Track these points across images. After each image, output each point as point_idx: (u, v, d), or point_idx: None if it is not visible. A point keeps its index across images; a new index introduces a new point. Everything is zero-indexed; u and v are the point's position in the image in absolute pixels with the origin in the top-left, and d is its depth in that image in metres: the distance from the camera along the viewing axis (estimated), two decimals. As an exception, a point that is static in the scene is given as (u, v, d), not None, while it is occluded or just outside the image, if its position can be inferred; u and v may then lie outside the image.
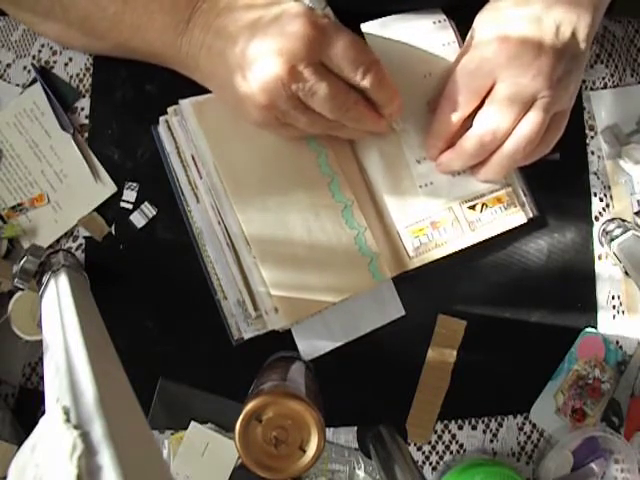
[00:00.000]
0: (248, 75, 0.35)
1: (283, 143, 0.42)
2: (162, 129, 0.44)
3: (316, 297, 0.41)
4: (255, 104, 0.36)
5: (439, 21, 0.45)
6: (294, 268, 0.41)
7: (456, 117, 0.40)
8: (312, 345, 0.46)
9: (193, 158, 0.43)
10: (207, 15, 0.38)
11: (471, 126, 0.40)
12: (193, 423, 0.45)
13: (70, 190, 0.46)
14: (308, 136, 0.42)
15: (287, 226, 0.42)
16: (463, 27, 0.43)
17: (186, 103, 0.42)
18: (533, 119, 0.37)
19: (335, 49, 0.35)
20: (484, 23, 0.40)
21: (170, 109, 0.43)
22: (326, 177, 0.43)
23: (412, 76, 0.44)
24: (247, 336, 0.43)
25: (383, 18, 0.45)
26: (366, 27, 0.44)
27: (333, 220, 0.42)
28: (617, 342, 0.49)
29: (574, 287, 0.49)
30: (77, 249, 0.46)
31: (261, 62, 0.35)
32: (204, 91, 0.42)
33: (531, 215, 0.46)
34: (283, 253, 0.41)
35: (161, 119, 0.44)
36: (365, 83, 0.36)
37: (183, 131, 0.43)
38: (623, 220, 0.48)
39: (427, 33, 0.45)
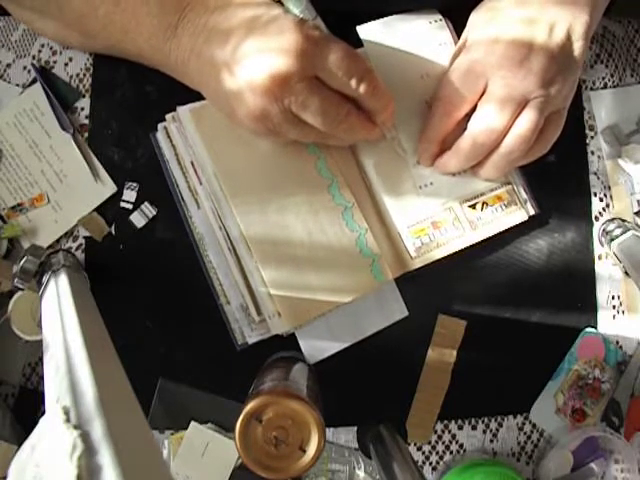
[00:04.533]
0: (242, 87, 0.35)
1: (282, 147, 0.42)
2: (161, 136, 0.44)
3: (318, 300, 0.41)
4: (247, 114, 0.36)
5: (435, 21, 0.45)
6: (295, 272, 0.41)
7: (449, 120, 0.40)
8: (316, 348, 0.46)
9: (192, 164, 0.42)
10: (195, 22, 0.37)
11: (466, 128, 0.40)
12: (193, 423, 0.45)
13: (70, 190, 0.46)
14: None
15: (288, 229, 0.42)
16: (459, 27, 0.43)
17: (184, 110, 0.42)
18: (527, 119, 0.37)
19: (328, 61, 0.34)
20: (477, 24, 0.41)
21: (168, 116, 0.43)
22: (326, 180, 0.43)
23: (410, 77, 0.44)
24: (251, 341, 0.43)
25: (379, 19, 0.45)
26: (362, 28, 0.44)
27: (333, 222, 0.42)
28: (617, 342, 0.49)
29: (574, 287, 0.49)
30: (77, 249, 0.46)
31: (252, 74, 0.34)
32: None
33: (532, 213, 0.46)
34: (284, 257, 0.41)
35: (159, 126, 0.44)
36: (359, 92, 0.36)
37: (182, 137, 0.43)
38: (623, 220, 0.48)
39: (423, 33, 0.45)
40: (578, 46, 0.38)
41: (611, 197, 0.50)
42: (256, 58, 0.34)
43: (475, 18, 0.41)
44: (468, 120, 0.40)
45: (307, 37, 0.33)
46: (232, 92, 0.36)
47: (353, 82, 0.35)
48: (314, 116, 0.36)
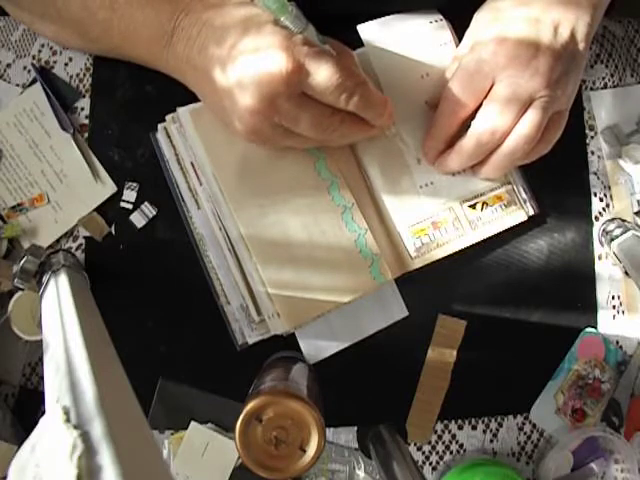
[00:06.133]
0: (233, 104, 0.35)
1: (281, 149, 0.42)
2: (161, 136, 0.44)
3: (318, 300, 0.41)
4: (241, 128, 0.36)
5: (435, 21, 0.45)
6: (295, 272, 0.41)
7: (456, 119, 0.40)
8: (316, 348, 0.46)
9: (192, 165, 0.42)
10: (189, 30, 0.37)
11: (469, 126, 0.40)
12: (193, 423, 0.45)
13: (70, 190, 0.46)
14: None
15: (287, 230, 0.42)
16: (459, 27, 0.43)
17: (184, 110, 0.42)
18: (531, 119, 0.38)
19: (315, 80, 0.34)
20: (482, 23, 0.41)
21: (168, 117, 0.43)
22: (325, 181, 0.43)
23: (410, 77, 0.44)
24: (251, 341, 0.43)
25: (380, 19, 0.45)
26: (363, 28, 0.44)
27: (333, 223, 0.42)
28: (617, 342, 0.49)
29: (574, 287, 0.49)
30: (77, 249, 0.46)
31: (241, 96, 0.34)
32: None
33: (532, 213, 0.46)
34: (284, 257, 0.41)
35: (159, 126, 0.44)
36: (350, 108, 0.36)
37: (182, 138, 0.43)
38: (623, 220, 0.48)
39: (424, 33, 0.45)
40: (581, 47, 0.38)
41: (611, 197, 0.50)
42: (243, 80, 0.34)
43: (479, 18, 0.41)
44: (470, 119, 0.40)
45: (292, 59, 0.33)
46: (225, 92, 0.36)
47: (343, 99, 0.35)
48: (307, 130, 0.36)
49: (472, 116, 0.40)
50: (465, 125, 0.40)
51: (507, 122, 0.38)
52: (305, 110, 0.35)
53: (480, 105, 0.39)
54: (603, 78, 0.50)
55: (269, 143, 0.38)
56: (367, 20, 0.44)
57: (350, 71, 0.35)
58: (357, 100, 0.35)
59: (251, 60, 0.34)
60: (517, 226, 0.46)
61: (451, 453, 0.48)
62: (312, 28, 0.36)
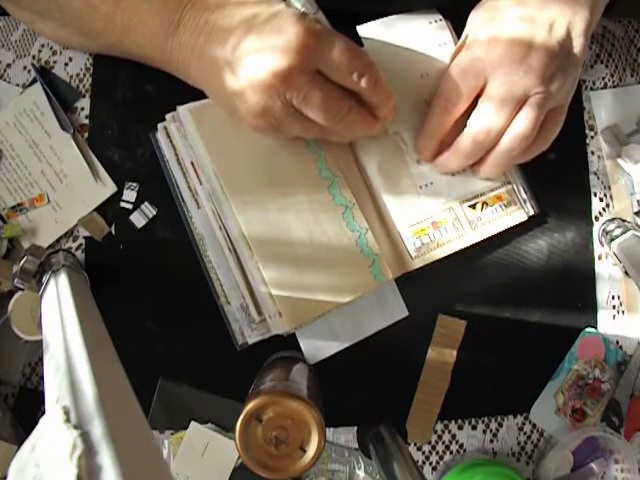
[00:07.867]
0: (243, 84, 0.35)
1: (282, 147, 0.42)
2: (160, 136, 0.44)
3: (319, 300, 0.41)
4: (249, 111, 0.36)
5: (435, 21, 0.45)
6: (296, 272, 0.41)
7: (447, 116, 0.40)
8: (316, 348, 0.46)
9: (192, 164, 0.42)
10: (196, 19, 0.38)
11: (466, 126, 0.40)
12: (193, 423, 0.45)
13: (70, 190, 0.46)
14: (306, 139, 0.43)
15: (288, 229, 0.42)
16: (459, 27, 0.43)
17: (184, 109, 0.42)
18: (527, 116, 0.38)
19: (329, 55, 0.34)
20: (477, 22, 0.41)
21: (168, 116, 0.43)
22: (326, 180, 0.43)
23: (409, 76, 0.44)
24: (251, 341, 0.43)
25: (379, 19, 0.45)
26: (362, 28, 0.44)
27: (334, 223, 0.42)
28: (617, 342, 0.49)
29: (574, 287, 0.49)
30: (77, 249, 0.46)
31: (254, 71, 0.34)
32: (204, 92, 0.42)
33: (532, 213, 0.46)
34: (285, 257, 0.41)
35: (159, 126, 0.44)
36: (361, 86, 0.36)
37: (182, 138, 0.42)
38: (623, 220, 0.48)
39: (423, 33, 0.45)
40: (578, 43, 0.38)
41: (611, 197, 0.50)
42: (257, 56, 0.34)
43: (475, 17, 0.41)
44: (467, 118, 0.40)
45: (308, 31, 0.34)
46: (234, 91, 0.36)
47: (354, 76, 0.35)
48: (316, 111, 0.36)
49: (468, 115, 0.40)
50: (462, 125, 0.40)
51: (502, 120, 0.38)
52: (317, 88, 0.35)
53: (474, 104, 0.39)
54: (603, 78, 0.50)
55: (275, 128, 0.38)
56: (367, 20, 0.44)
57: (361, 51, 0.36)
58: (368, 79, 0.36)
59: (264, 38, 0.34)
60: (517, 226, 0.46)
61: (451, 453, 0.48)
62: (322, 14, 0.37)
